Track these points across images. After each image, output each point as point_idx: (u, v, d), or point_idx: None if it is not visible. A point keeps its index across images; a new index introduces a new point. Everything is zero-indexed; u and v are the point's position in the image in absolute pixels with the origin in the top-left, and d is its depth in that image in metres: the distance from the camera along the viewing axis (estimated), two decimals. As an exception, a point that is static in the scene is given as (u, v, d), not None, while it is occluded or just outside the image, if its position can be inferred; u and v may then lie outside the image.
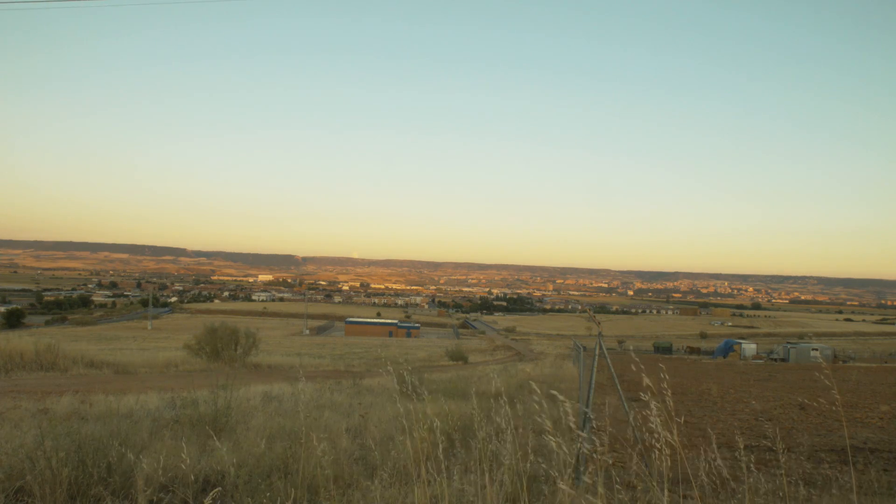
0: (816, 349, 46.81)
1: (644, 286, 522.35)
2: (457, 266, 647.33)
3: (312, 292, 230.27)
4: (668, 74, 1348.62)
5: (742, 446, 3.27)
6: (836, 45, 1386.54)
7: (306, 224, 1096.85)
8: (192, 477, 4.35)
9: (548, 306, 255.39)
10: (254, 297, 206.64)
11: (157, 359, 25.47)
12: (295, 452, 4.50)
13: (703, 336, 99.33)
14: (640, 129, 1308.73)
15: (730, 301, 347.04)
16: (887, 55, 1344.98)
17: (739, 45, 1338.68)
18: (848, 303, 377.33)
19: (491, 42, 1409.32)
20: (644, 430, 3.08)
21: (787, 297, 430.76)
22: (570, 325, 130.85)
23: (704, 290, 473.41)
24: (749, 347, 50.53)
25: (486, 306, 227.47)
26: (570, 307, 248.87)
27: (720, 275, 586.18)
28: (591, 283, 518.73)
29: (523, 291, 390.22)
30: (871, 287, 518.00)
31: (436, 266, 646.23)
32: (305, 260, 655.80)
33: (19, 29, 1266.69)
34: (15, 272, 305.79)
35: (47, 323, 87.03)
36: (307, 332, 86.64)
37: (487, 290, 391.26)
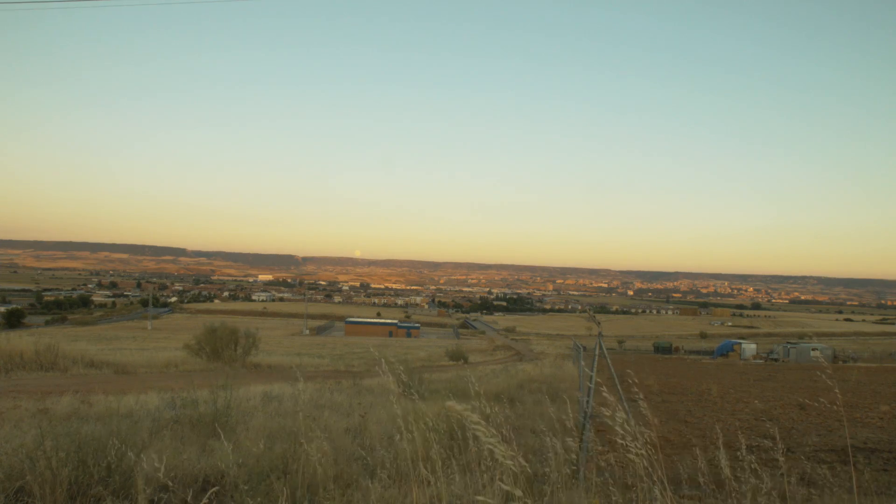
0: (816, 349, 46.81)
1: (644, 286, 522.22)
2: (457, 266, 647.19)
3: (312, 292, 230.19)
4: (669, 74, 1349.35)
5: (742, 446, 3.27)
6: (837, 44, 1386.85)
7: (306, 224, 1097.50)
8: (192, 477, 4.36)
9: (548, 306, 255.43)
10: (254, 297, 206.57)
11: (157, 359, 25.49)
12: (295, 452, 4.50)
13: (703, 336, 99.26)
14: (640, 128, 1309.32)
15: (730, 301, 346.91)
16: (888, 55, 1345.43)
17: (740, 44, 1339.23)
18: (848, 303, 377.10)
19: (490, 40, 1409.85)
20: (644, 430, 3.08)
21: (787, 297, 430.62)
22: (570, 325, 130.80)
23: (704, 290, 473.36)
24: (749, 347, 50.55)
25: (486, 306, 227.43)
26: (570, 307, 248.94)
27: (720, 275, 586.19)
28: (591, 283, 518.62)
29: (523, 291, 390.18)
30: (871, 287, 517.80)
31: (436, 266, 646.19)
32: (305, 260, 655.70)
33: (19, 28, 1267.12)
34: (15, 272, 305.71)
35: (47, 323, 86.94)
36: (307, 332, 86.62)
37: (487, 290, 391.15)
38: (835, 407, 3.24)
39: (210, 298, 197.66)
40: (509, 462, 3.36)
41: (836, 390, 3.04)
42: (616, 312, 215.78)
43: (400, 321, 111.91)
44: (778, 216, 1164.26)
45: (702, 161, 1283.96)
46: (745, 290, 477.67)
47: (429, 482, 3.38)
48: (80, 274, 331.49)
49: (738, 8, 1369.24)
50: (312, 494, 3.99)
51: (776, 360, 44.68)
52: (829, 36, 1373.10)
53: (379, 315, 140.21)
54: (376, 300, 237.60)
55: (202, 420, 6.39)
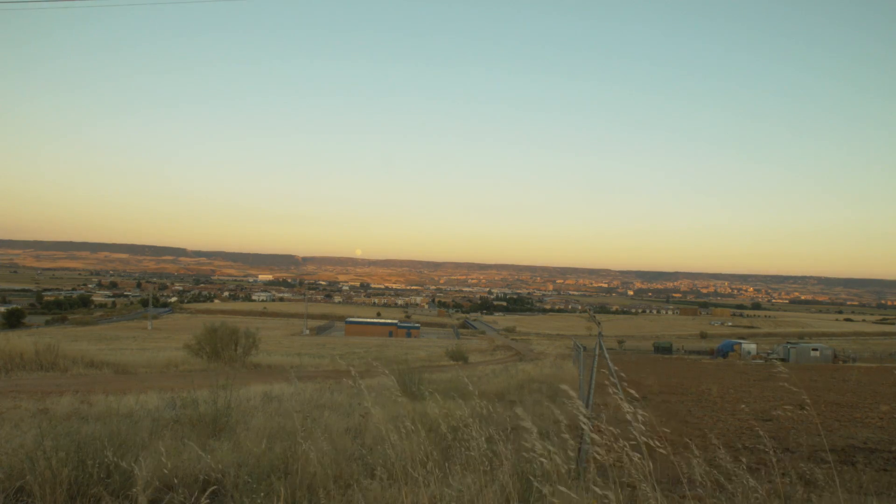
0: (816, 349, 46.79)
1: (644, 286, 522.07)
2: (457, 266, 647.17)
3: (312, 292, 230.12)
4: (668, 74, 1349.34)
5: (741, 446, 3.28)
6: (835, 45, 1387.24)
7: (306, 224, 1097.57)
8: (193, 477, 4.36)
9: (548, 306, 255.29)
10: (254, 297, 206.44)
11: (157, 359, 25.47)
12: (295, 452, 4.50)
13: (703, 336, 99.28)
14: (640, 128, 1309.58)
15: (730, 301, 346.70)
16: (887, 55, 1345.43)
17: (739, 45, 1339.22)
18: (848, 303, 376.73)
19: (490, 42, 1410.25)
20: (643, 429, 3.08)
21: (787, 297, 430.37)
22: (571, 325, 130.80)
23: (704, 290, 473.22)
24: (749, 347, 50.56)
25: (486, 306, 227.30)
26: (570, 307, 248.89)
27: (720, 275, 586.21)
28: (591, 283, 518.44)
29: (523, 291, 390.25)
30: (871, 287, 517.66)
31: (436, 266, 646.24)
32: (305, 260, 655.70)
33: (20, 29, 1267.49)
34: (15, 272, 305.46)
35: (47, 323, 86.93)
36: (307, 332, 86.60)
37: (487, 290, 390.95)
38: (800, 411, 3.24)
39: (210, 298, 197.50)
40: (509, 462, 3.36)
41: (805, 395, 3.03)
42: (616, 312, 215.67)
43: (400, 321, 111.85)
44: (778, 216, 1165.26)
45: (701, 161, 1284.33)
46: (745, 290, 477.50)
47: (428, 483, 3.39)
48: (80, 274, 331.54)
49: (737, 8, 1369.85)
50: (313, 495, 3.99)
51: (783, 359, 44.57)
52: (829, 37, 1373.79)
53: (379, 315, 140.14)
54: (376, 300, 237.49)
55: (202, 420, 6.38)
